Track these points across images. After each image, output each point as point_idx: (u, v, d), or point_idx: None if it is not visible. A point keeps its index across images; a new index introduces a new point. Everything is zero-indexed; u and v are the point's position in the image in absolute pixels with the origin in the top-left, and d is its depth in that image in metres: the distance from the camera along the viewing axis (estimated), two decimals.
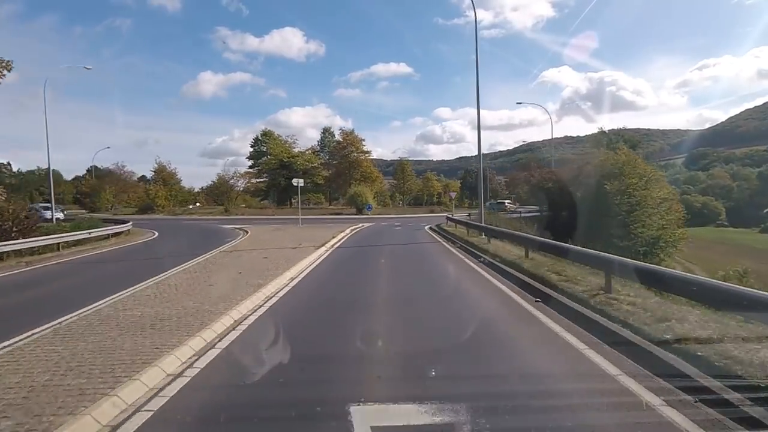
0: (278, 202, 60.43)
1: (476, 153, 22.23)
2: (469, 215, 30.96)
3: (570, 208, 29.66)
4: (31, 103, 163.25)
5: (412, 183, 70.32)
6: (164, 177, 54.91)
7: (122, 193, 56.36)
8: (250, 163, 59.78)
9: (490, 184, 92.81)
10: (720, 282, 5.28)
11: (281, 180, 56.12)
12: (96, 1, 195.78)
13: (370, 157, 61.12)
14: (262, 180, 57.79)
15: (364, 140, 58.67)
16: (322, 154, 62.89)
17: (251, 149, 60.50)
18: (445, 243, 16.80)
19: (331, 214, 44.13)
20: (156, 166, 56.09)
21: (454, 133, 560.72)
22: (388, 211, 47.41)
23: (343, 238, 18.42)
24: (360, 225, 27.12)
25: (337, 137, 60.75)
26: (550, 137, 44.45)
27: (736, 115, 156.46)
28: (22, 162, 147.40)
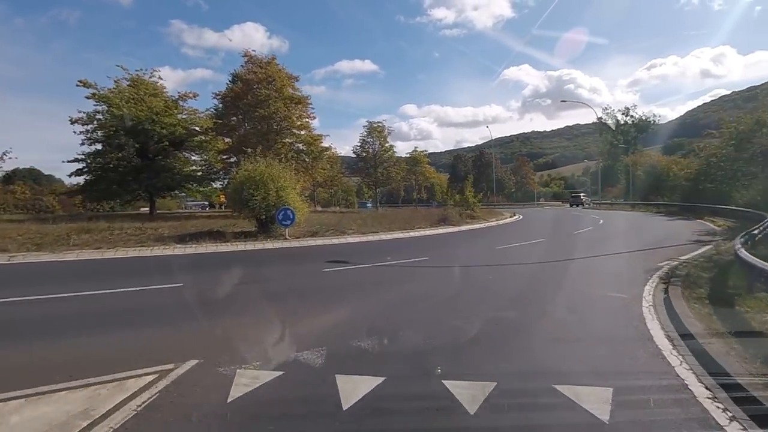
0: (121, 202, 31.94)
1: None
2: None
3: None
4: None
5: (392, 168, 42.52)
6: None
7: None
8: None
9: (495, 173, 67.15)
10: None
11: (132, 158, 26.97)
12: None
13: (314, 128, 32.22)
14: (84, 155, 26.76)
15: (297, 79, 29.68)
16: (226, 119, 32.54)
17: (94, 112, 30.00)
18: None
19: (184, 239, 14.36)
20: None
21: (420, 130, 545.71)
22: (348, 224, 18.84)
23: None
24: None
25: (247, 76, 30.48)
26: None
27: (696, 108, 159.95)
28: None
